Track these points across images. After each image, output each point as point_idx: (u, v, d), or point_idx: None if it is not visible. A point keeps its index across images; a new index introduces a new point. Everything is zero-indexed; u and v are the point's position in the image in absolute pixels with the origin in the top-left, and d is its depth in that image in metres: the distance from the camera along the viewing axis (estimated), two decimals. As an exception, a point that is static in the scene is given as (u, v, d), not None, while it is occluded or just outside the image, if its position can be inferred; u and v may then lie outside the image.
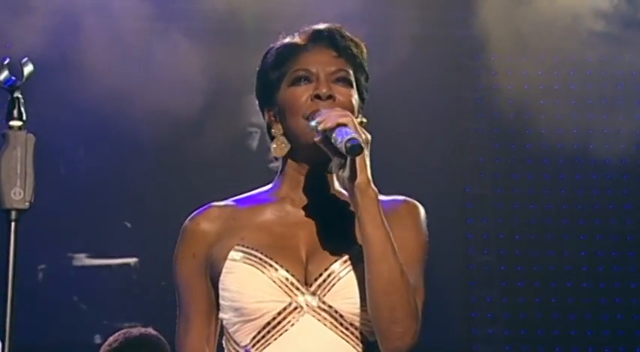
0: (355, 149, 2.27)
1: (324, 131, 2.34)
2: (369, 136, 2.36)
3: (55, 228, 7.71)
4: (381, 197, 2.42)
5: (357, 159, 2.32)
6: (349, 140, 2.26)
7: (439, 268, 8.25)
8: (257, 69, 2.63)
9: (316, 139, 2.37)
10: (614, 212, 8.46)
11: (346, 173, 2.34)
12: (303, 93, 2.49)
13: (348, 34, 2.58)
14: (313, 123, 2.39)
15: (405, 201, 2.57)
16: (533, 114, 8.29)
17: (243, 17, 7.60)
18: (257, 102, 2.64)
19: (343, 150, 2.27)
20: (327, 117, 2.36)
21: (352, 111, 2.46)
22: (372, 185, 2.35)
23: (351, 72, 2.53)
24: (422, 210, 2.57)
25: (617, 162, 8.32)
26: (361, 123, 2.44)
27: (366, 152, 2.34)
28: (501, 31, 8.06)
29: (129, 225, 7.89)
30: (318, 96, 2.47)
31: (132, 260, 7.87)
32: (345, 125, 2.32)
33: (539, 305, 8.31)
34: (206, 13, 7.82)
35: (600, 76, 8.48)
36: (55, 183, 7.73)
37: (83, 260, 7.85)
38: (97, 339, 7.76)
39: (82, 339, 7.74)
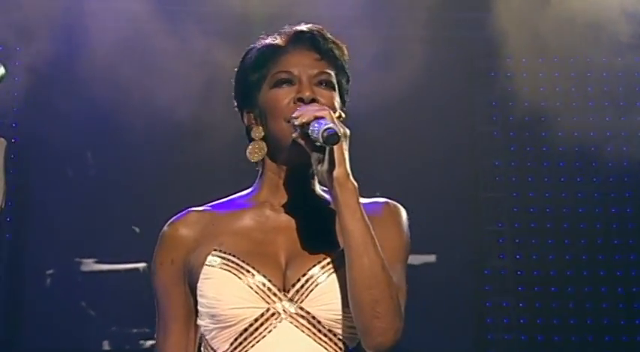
0: (333, 138, 2.26)
1: (302, 126, 2.33)
2: (347, 131, 2.35)
3: (62, 233, 7.71)
4: (363, 200, 2.40)
5: (336, 151, 2.31)
6: (326, 129, 2.27)
7: (454, 273, 8.24)
8: (235, 70, 2.60)
9: (294, 135, 2.36)
10: (632, 215, 8.38)
11: (325, 166, 2.33)
12: (285, 96, 2.47)
13: (329, 35, 2.55)
14: (292, 117, 2.39)
15: (386, 202, 2.54)
16: (549, 116, 8.22)
17: (253, 18, 7.56)
18: (235, 103, 2.60)
19: (320, 139, 2.27)
20: (304, 112, 2.35)
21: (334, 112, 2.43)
22: (351, 178, 2.34)
23: (333, 74, 2.51)
24: (403, 212, 2.54)
25: (635, 164, 8.24)
26: (339, 117, 2.43)
27: (345, 146, 2.33)
28: (517, 32, 8.00)
29: (137, 229, 7.86)
30: (301, 100, 2.45)
31: (141, 265, 7.84)
32: (322, 118, 2.32)
33: (556, 310, 8.24)
34: (215, 15, 7.79)
35: (617, 77, 8.40)
36: (63, 187, 7.73)
37: (91, 265, 7.84)
38: (106, 346, 7.75)
39: (91, 346, 7.73)
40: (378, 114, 7.62)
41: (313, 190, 2.53)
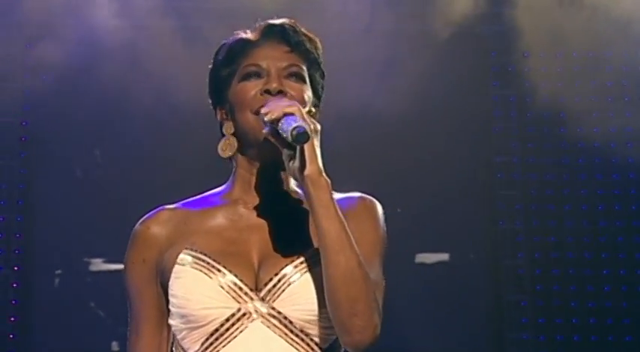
0: (301, 137, 2.23)
1: (272, 122, 2.29)
2: (318, 126, 2.32)
3: (71, 233, 7.71)
4: (337, 194, 2.37)
5: (307, 148, 2.27)
6: (295, 128, 2.24)
7: (471, 272, 8.17)
8: (209, 67, 2.56)
9: (264, 131, 2.32)
10: (653, 213, 8.29)
11: (296, 164, 2.29)
12: (252, 88, 2.44)
13: (302, 29, 2.52)
14: (262, 113, 2.34)
15: (360, 197, 2.50)
16: (568, 112, 8.13)
17: (263, 15, 7.49)
18: (209, 100, 2.57)
19: (290, 138, 2.24)
20: (273, 108, 2.31)
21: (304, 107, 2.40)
22: (324, 175, 2.30)
23: (304, 67, 2.48)
24: (378, 206, 2.50)
25: (656, 161, 8.15)
26: (309, 112, 2.39)
27: (316, 142, 2.30)
28: (534, 28, 7.94)
29: (146, 229, 7.84)
30: (267, 91, 2.41)
31: (150, 265, 7.82)
32: (291, 114, 2.28)
33: (575, 309, 8.15)
34: (223, 12, 7.75)
35: (637, 72, 8.29)
36: (71, 186, 7.72)
37: (100, 265, 7.83)
38: (115, 346, 7.72)
39: (100, 346, 7.71)
40: (393, 111, 7.56)
41: (287, 187, 2.49)
